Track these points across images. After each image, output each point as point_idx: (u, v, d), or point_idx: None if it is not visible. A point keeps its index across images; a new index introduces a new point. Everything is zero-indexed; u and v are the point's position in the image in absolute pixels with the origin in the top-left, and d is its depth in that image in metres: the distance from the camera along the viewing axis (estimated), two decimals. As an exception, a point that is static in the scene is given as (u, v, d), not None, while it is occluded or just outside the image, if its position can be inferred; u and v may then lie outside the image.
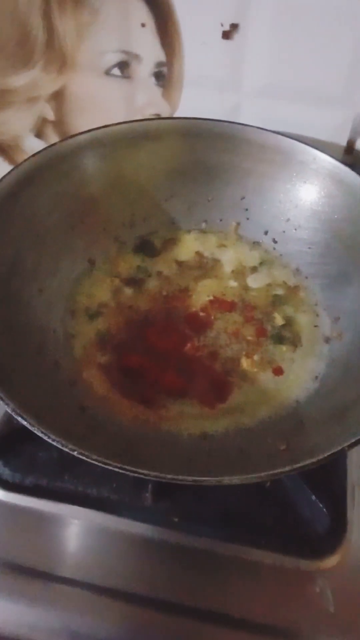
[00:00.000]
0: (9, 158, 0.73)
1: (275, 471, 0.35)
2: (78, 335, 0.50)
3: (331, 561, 0.43)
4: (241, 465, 0.41)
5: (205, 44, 0.57)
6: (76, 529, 0.47)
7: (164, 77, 0.61)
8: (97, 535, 0.46)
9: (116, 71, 0.61)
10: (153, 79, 0.61)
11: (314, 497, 0.44)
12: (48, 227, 0.52)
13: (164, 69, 0.60)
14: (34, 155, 0.52)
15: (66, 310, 0.51)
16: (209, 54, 0.57)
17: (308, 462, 0.36)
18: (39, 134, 0.70)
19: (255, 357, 0.49)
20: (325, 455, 0.36)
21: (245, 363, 0.48)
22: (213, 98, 0.61)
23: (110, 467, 0.33)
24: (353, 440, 0.37)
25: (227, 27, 0.55)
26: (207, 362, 0.49)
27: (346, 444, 0.36)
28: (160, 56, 0.59)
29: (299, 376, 0.48)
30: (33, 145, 0.70)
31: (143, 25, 0.57)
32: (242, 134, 0.57)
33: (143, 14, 0.56)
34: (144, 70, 0.61)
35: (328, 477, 0.46)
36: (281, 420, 0.45)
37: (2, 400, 0.36)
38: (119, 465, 0.33)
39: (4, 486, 0.47)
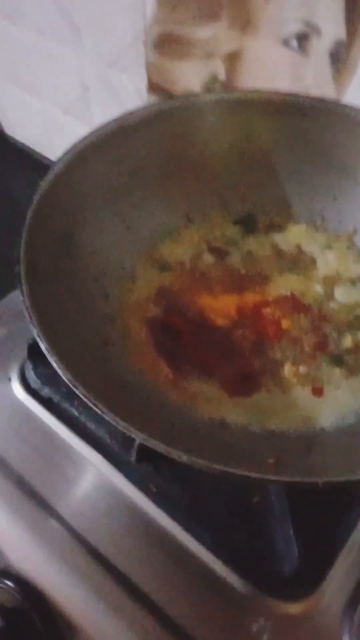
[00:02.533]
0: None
1: (253, 475, 0.32)
2: (141, 280, 0.50)
3: (283, 608, 0.39)
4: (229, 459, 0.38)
5: (392, 30, 0.51)
6: (71, 456, 0.48)
7: (339, 58, 0.56)
8: (85, 473, 0.47)
9: (294, 43, 0.58)
10: (328, 58, 0.57)
11: (291, 533, 0.39)
12: (156, 174, 0.52)
13: (342, 50, 0.56)
14: (164, 100, 0.52)
15: (143, 254, 0.51)
16: (392, 42, 0.52)
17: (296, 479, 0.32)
18: (207, 91, 0.70)
19: (301, 369, 0.44)
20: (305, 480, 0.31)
21: (287, 369, 0.44)
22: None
23: (121, 427, 0.32)
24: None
25: None
26: (248, 354, 0.45)
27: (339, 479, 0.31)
28: (341, 34, 0.55)
29: (337, 404, 0.42)
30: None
31: (332, -3, 0.53)
32: None
33: (335, -16, 0.52)
34: (321, 46, 0.57)
35: (323, 521, 0.41)
36: (292, 439, 0.40)
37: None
38: (132, 428, 0.32)
39: (27, 390, 0.50)
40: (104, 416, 0.32)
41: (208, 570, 0.40)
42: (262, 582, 0.39)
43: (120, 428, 0.32)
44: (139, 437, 0.31)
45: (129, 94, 0.79)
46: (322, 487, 0.29)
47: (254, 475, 0.30)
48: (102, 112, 0.86)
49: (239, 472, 0.31)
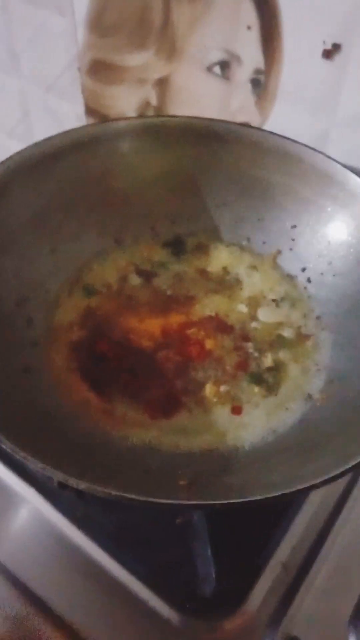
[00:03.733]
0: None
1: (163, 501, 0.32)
2: (67, 303, 0.50)
3: (205, 629, 0.39)
4: (146, 485, 0.38)
5: (305, 60, 0.53)
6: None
7: (260, 85, 0.58)
8: (13, 501, 0.46)
9: (217, 70, 0.60)
10: (250, 86, 0.59)
11: (209, 553, 0.39)
12: (86, 197, 0.52)
13: (262, 77, 0.58)
14: (95, 124, 0.53)
15: (69, 277, 0.51)
16: (306, 71, 0.54)
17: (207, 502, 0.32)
18: (140, 116, 0.71)
19: (222, 388, 0.45)
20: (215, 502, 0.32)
21: (208, 390, 0.45)
22: (302, 119, 0.57)
23: (18, 456, 0.32)
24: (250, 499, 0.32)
25: (329, 46, 0.51)
26: (170, 375, 0.46)
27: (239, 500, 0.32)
28: (260, 63, 0.57)
29: (255, 424, 0.43)
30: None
31: (249, 27, 0.55)
32: (315, 162, 0.53)
33: (251, 16, 0.54)
34: (242, 74, 0.59)
35: (245, 541, 0.41)
36: (210, 459, 0.41)
37: None
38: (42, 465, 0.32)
39: None
40: (1, 445, 0.32)
41: (131, 594, 0.40)
42: (184, 604, 0.39)
43: (17, 457, 0.31)
44: (36, 466, 0.31)
45: (69, 118, 0.80)
46: (220, 508, 0.29)
47: (151, 500, 0.31)
48: (45, 136, 0.86)
49: (129, 496, 0.31)
